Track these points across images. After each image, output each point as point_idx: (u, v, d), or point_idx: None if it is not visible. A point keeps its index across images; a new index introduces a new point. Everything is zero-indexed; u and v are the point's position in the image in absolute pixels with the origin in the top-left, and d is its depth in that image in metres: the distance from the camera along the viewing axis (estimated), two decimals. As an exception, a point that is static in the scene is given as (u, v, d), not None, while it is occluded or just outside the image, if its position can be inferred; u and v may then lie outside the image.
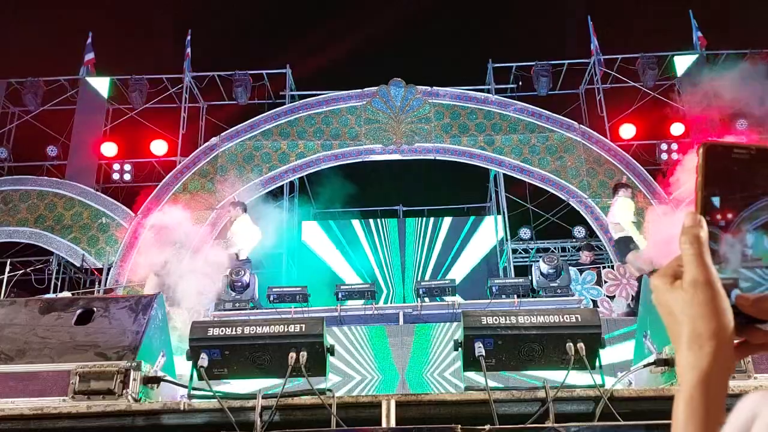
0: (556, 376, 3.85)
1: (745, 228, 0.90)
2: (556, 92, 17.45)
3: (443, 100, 16.52)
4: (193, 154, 16.11)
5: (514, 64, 17.29)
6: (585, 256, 13.33)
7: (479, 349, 3.57)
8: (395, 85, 16.58)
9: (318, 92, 16.84)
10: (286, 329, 3.58)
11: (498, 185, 16.54)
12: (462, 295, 11.66)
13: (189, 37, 17.45)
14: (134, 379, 3.48)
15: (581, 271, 12.34)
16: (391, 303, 14.97)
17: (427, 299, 11.01)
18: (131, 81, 16.90)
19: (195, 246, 12.15)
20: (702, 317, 0.84)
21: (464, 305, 10.60)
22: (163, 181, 15.67)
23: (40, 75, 16.90)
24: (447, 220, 17.11)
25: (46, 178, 16.01)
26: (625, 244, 10.66)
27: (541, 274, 10.57)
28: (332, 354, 3.64)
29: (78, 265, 14.81)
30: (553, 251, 15.61)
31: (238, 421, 3.20)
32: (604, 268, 12.93)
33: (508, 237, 16.07)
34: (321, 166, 16.03)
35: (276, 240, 15.28)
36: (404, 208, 17.66)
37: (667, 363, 3.72)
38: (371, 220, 17.03)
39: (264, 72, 17.27)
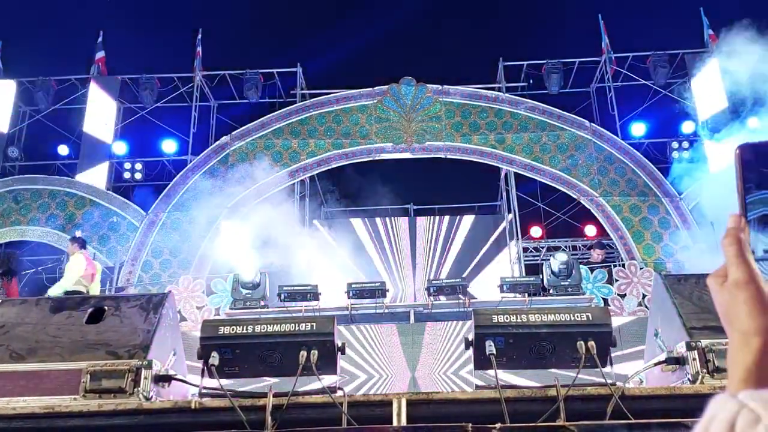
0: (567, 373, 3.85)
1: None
2: (567, 90, 17.41)
3: (454, 99, 16.51)
4: (203, 152, 16.14)
5: (525, 63, 17.25)
6: (596, 255, 13.30)
7: (490, 347, 3.56)
8: (406, 84, 16.57)
9: (329, 91, 16.84)
10: (296, 328, 3.58)
11: (509, 184, 16.52)
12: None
13: (200, 36, 17.50)
14: (145, 378, 3.49)
15: (592, 270, 12.32)
16: (401, 302, 14.97)
17: (442, 298, 11.02)
18: (142, 80, 16.95)
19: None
20: (747, 315, 0.85)
21: (475, 303, 10.61)
22: (174, 179, 15.71)
23: (51, 74, 16.97)
24: (468, 219, 17.07)
25: (57, 177, 16.06)
26: None
27: (552, 272, 10.57)
28: (343, 353, 3.64)
29: (89, 263, 14.85)
30: (564, 249, 15.58)
31: (249, 420, 3.20)
32: (615, 266, 12.91)
33: (519, 235, 16.04)
34: (332, 165, 16.04)
35: (287, 238, 15.33)
36: (415, 207, 17.65)
37: (678, 361, 3.71)
38: (382, 219, 17.03)
39: (275, 71, 17.29)
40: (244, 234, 12.37)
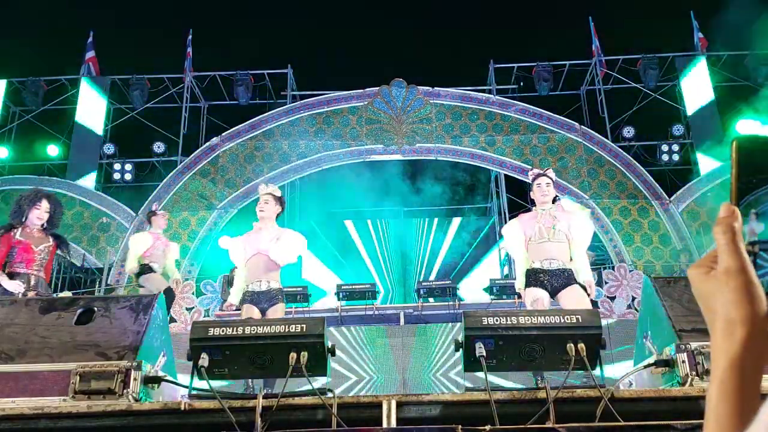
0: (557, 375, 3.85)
1: (749, 213, 0.91)
2: (558, 93, 17.46)
3: (444, 101, 16.51)
4: (194, 154, 16.10)
5: (515, 65, 17.29)
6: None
7: (480, 349, 3.56)
8: (397, 86, 16.57)
9: (319, 92, 16.83)
10: (286, 329, 3.57)
11: (499, 186, 16.55)
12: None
13: (190, 37, 17.46)
14: (135, 379, 3.48)
15: (582, 272, 12.31)
16: (391, 304, 14.97)
17: (432, 299, 11.03)
18: (132, 80, 16.91)
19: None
20: (734, 303, 0.85)
21: (465, 305, 10.62)
22: (164, 180, 15.66)
23: (41, 74, 16.92)
24: (458, 221, 17.11)
25: (47, 177, 15.99)
26: None
27: (542, 274, 10.55)
28: (333, 354, 3.63)
29: (78, 264, 14.79)
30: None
31: (239, 422, 3.19)
32: (604, 269, 12.93)
33: (509, 237, 16.03)
34: (322, 166, 16.02)
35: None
36: (405, 209, 17.63)
37: (668, 364, 3.72)
38: (372, 220, 17.02)
39: (265, 72, 17.28)
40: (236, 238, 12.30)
